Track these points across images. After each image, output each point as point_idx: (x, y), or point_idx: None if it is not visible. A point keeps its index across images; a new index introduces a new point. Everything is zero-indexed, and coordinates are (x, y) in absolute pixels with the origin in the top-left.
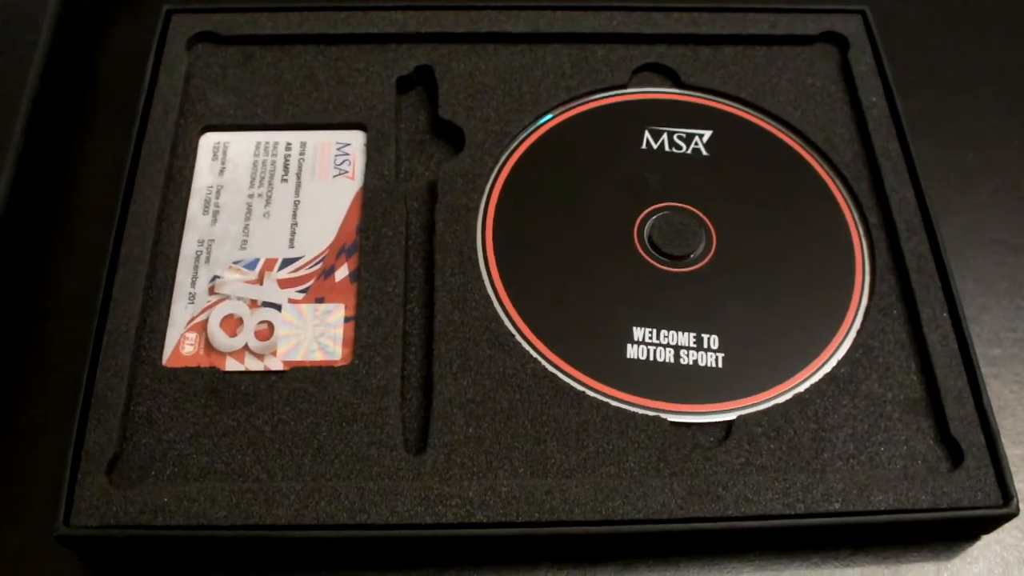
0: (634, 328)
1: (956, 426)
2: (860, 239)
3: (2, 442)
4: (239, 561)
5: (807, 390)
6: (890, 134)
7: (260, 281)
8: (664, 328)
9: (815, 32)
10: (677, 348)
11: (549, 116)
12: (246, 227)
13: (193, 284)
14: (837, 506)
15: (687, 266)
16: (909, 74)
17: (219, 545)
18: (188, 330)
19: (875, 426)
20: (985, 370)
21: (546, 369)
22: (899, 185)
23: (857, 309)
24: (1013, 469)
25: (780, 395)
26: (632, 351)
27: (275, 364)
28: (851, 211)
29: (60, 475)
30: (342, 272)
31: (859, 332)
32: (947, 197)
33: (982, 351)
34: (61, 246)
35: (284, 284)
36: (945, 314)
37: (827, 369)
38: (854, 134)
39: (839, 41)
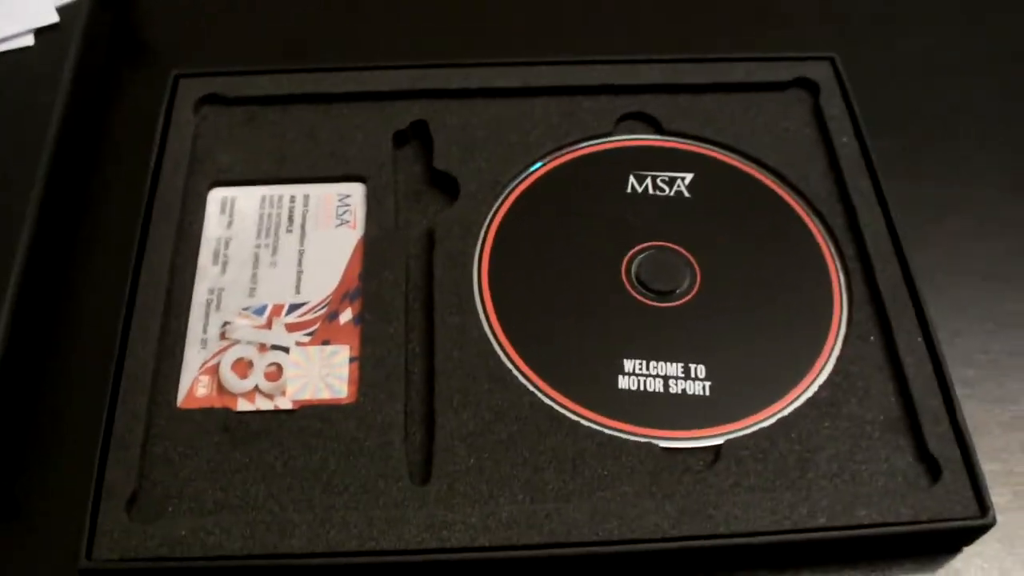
0: (625, 360)
1: (934, 443)
2: (837, 271)
3: (26, 481)
4: None
5: (791, 413)
6: (861, 172)
7: (268, 326)
8: (653, 360)
9: (788, 78)
10: (666, 378)
11: (539, 164)
12: (254, 275)
13: (205, 330)
14: (823, 522)
15: (673, 301)
16: (881, 116)
17: (235, 575)
18: (201, 373)
19: (856, 445)
20: (960, 390)
21: (542, 401)
22: (872, 219)
23: (836, 336)
24: (988, 483)
25: (765, 419)
26: (623, 382)
27: (284, 403)
28: (827, 245)
29: (82, 512)
30: (346, 316)
31: (839, 358)
32: (920, 230)
33: (956, 373)
34: (79, 296)
35: (291, 328)
36: (919, 339)
37: (809, 393)
38: (827, 172)
39: (811, 86)
